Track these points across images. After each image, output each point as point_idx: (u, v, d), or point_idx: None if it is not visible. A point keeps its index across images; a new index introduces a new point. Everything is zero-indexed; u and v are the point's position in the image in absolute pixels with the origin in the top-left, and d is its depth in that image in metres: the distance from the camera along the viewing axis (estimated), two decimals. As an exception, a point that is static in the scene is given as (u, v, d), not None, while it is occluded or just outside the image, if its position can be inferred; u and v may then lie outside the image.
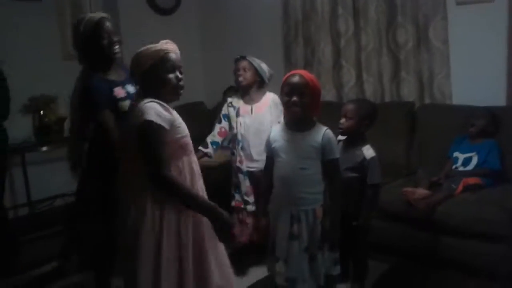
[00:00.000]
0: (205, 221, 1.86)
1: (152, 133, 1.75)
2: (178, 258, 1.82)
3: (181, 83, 1.91)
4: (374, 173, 2.40)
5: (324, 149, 2.09)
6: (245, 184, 2.87)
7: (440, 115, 3.28)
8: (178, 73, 1.89)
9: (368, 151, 2.41)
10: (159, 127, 1.76)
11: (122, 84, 2.27)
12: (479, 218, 2.54)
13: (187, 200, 1.81)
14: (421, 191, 2.76)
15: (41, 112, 3.57)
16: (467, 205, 2.62)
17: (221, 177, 3.10)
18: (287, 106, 2.10)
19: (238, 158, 2.88)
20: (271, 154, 2.21)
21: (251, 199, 2.86)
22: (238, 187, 2.90)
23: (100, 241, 2.25)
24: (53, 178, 3.66)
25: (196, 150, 2.34)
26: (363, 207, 2.39)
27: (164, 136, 1.78)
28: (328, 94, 3.93)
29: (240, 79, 2.84)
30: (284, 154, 2.13)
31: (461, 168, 2.94)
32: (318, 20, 3.97)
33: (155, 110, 1.77)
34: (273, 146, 2.17)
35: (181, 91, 1.93)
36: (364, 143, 2.42)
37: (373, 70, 3.75)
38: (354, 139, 2.43)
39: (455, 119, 3.13)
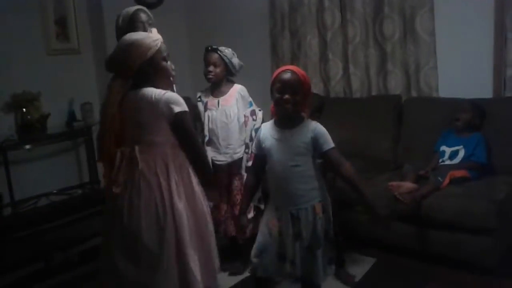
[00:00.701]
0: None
1: (189, 121, 1.92)
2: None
3: (174, 72, 1.98)
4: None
5: (316, 143, 2.05)
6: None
7: (426, 108, 3.27)
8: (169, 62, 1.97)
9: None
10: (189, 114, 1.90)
11: None
12: (465, 211, 2.54)
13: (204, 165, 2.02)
14: (407, 185, 2.75)
15: (24, 109, 3.51)
16: (453, 198, 2.61)
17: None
18: (279, 103, 2.04)
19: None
20: (260, 153, 2.15)
21: None
22: None
23: None
24: (36, 177, 3.61)
25: None
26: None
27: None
28: (315, 88, 3.89)
29: (210, 76, 2.79)
30: (276, 153, 2.08)
31: (447, 162, 2.93)
32: (304, 12, 3.94)
33: (180, 99, 1.88)
34: (263, 145, 2.11)
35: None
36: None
37: (360, 63, 3.72)
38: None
39: (442, 112, 3.12)
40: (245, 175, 2.69)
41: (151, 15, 2.41)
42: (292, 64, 4.09)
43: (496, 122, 2.91)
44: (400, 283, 2.61)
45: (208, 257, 1.98)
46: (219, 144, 2.79)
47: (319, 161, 2.57)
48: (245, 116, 2.81)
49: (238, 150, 2.78)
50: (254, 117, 2.82)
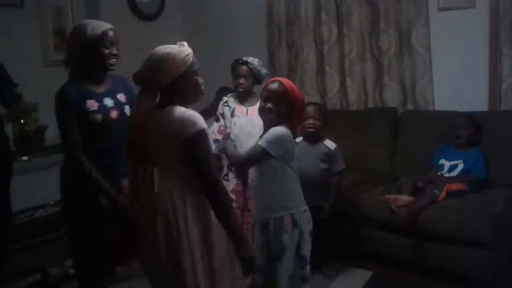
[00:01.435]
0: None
1: (207, 141, 1.76)
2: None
3: (203, 86, 1.89)
4: (339, 161, 2.81)
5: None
6: (233, 183, 2.90)
7: (422, 121, 3.29)
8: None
9: (330, 143, 2.84)
10: (208, 135, 1.77)
11: (99, 96, 2.22)
12: (462, 224, 2.55)
13: (228, 216, 1.76)
14: (404, 198, 2.76)
15: (21, 120, 3.51)
16: (450, 211, 2.63)
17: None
18: (261, 111, 2.11)
19: None
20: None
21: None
22: None
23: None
24: (33, 188, 3.59)
25: None
26: (332, 193, 2.79)
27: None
28: (311, 100, 3.91)
29: (241, 89, 2.87)
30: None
31: (446, 175, 2.94)
32: (301, 25, 3.97)
33: (201, 118, 1.75)
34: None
35: None
36: (323, 138, 2.87)
37: (357, 76, 3.76)
38: (315, 137, 2.85)
39: (438, 125, 3.15)
40: None
41: (118, 40, 2.29)
42: (288, 76, 4.12)
43: (491, 135, 2.94)
44: (397, 296, 2.61)
45: None
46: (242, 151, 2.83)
47: (323, 167, 2.69)
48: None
49: None
50: None
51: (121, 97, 2.28)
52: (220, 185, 1.75)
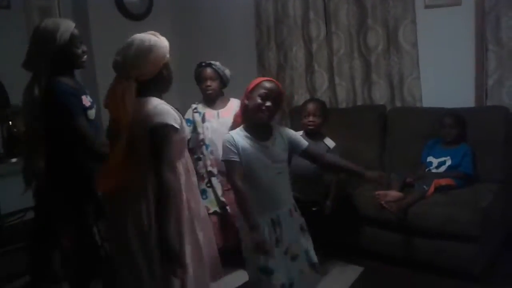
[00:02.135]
0: None
1: (170, 137, 1.75)
2: None
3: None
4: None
5: (293, 145, 2.15)
6: (219, 187, 2.90)
7: (410, 118, 3.32)
8: None
9: (329, 142, 2.90)
10: (175, 130, 1.78)
11: (85, 93, 2.23)
12: (450, 219, 2.58)
13: (167, 215, 1.73)
14: (393, 194, 2.79)
15: (10, 122, 3.48)
16: (438, 206, 2.65)
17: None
18: (259, 109, 2.03)
19: (209, 162, 2.91)
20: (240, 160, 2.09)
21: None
22: (204, 192, 2.89)
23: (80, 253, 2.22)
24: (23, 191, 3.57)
25: None
26: (331, 190, 2.86)
27: (175, 137, 1.79)
28: (301, 99, 3.93)
29: (209, 91, 2.87)
30: (259, 161, 2.07)
31: (434, 171, 2.97)
32: (290, 24, 3.98)
33: (171, 112, 1.79)
34: (242, 153, 2.05)
35: None
36: (323, 136, 2.92)
37: (345, 74, 3.78)
38: (314, 134, 2.88)
39: (426, 121, 3.17)
40: None
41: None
42: (278, 75, 4.14)
43: (478, 131, 2.97)
44: (387, 291, 2.63)
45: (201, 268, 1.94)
46: (218, 154, 2.82)
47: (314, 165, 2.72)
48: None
49: None
50: None
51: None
52: (167, 182, 1.72)
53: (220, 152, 2.78)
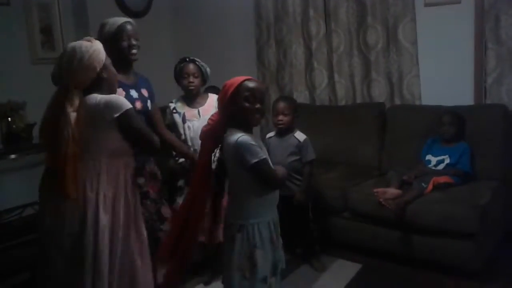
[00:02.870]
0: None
1: (136, 119, 1.96)
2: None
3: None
4: (309, 152, 2.86)
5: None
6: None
7: (410, 116, 3.33)
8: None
9: (300, 135, 2.88)
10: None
11: (126, 87, 2.33)
12: (449, 216, 2.58)
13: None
14: (392, 191, 2.79)
15: (9, 118, 3.48)
16: (437, 204, 2.66)
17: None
18: (251, 112, 1.84)
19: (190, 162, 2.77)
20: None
21: None
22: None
23: None
24: (22, 187, 3.57)
25: None
26: (303, 183, 2.84)
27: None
28: (300, 96, 3.95)
29: (192, 87, 2.82)
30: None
31: (432, 168, 2.97)
32: (290, 22, 3.98)
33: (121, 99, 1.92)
34: None
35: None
36: (293, 130, 2.91)
37: (345, 72, 3.78)
38: (284, 130, 2.90)
39: (425, 119, 3.18)
40: None
41: (137, 30, 2.39)
42: (277, 73, 4.15)
43: (477, 129, 2.97)
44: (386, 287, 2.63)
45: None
46: None
47: (294, 159, 2.77)
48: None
49: None
50: None
51: (144, 92, 2.43)
52: (153, 139, 2.01)
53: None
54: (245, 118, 1.85)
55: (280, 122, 2.88)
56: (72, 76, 1.84)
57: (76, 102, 1.82)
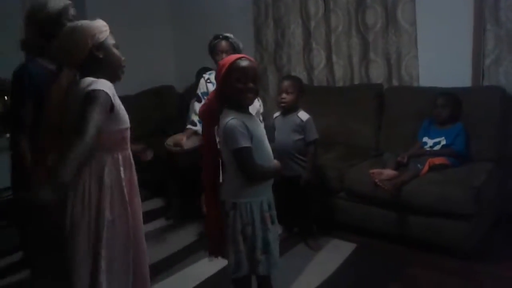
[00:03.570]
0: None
1: (101, 101, 1.59)
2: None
3: (124, 63, 1.80)
4: (312, 131, 2.86)
5: None
6: None
7: (407, 97, 3.32)
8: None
9: (303, 115, 2.88)
10: (108, 98, 1.62)
11: None
12: (444, 197, 2.60)
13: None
14: (388, 172, 2.80)
15: (5, 97, 3.46)
16: (432, 185, 2.67)
17: (189, 163, 3.00)
18: (242, 94, 1.83)
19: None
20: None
21: None
22: None
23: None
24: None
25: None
26: (308, 163, 2.85)
27: (107, 109, 1.63)
28: (298, 76, 3.92)
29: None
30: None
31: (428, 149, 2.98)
32: (288, 1, 3.95)
33: (108, 85, 1.65)
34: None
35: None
36: (297, 109, 2.90)
37: (343, 52, 3.76)
38: (289, 110, 2.90)
39: (422, 101, 3.17)
40: None
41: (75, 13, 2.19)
42: (275, 53, 4.12)
43: (474, 111, 2.97)
44: (380, 267, 2.66)
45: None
46: None
47: (297, 138, 2.79)
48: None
49: None
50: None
51: None
52: (85, 139, 1.53)
53: None
54: (238, 98, 1.85)
55: (283, 100, 2.88)
56: (62, 51, 1.71)
57: (63, 82, 1.68)
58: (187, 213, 3.44)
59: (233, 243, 1.88)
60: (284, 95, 2.87)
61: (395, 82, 3.51)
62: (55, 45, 1.73)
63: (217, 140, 1.95)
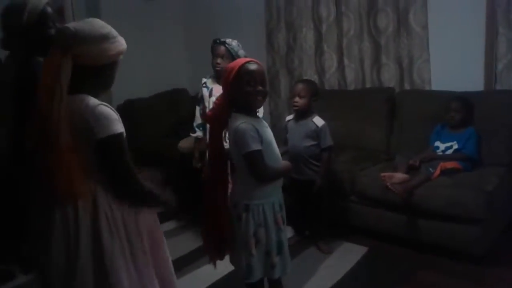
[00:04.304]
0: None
1: (126, 146, 1.53)
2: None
3: None
4: (327, 137, 2.86)
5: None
6: None
7: (419, 101, 3.31)
8: None
9: (318, 120, 2.87)
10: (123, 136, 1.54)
11: None
12: (455, 201, 2.60)
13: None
14: (399, 176, 2.81)
15: None
16: (444, 189, 2.67)
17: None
18: (252, 94, 1.84)
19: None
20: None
21: None
22: None
23: None
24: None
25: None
26: (322, 169, 2.85)
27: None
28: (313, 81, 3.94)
29: (218, 68, 2.88)
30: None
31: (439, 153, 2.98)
32: (300, 5, 3.96)
33: (115, 116, 1.52)
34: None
35: None
36: (312, 114, 2.89)
37: (355, 56, 3.77)
38: (304, 113, 2.89)
39: (434, 104, 3.17)
40: None
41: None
42: (287, 56, 4.14)
43: (487, 115, 2.96)
44: (391, 271, 2.67)
45: None
46: None
47: (311, 143, 2.78)
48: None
49: None
50: None
51: None
52: (140, 187, 1.55)
53: None
54: (247, 101, 1.86)
55: (296, 103, 2.88)
56: (82, 44, 1.52)
57: (68, 74, 1.49)
58: (199, 214, 3.46)
59: (245, 247, 1.89)
60: (296, 99, 2.88)
61: (406, 86, 3.51)
62: (75, 29, 1.51)
63: (225, 144, 1.96)
